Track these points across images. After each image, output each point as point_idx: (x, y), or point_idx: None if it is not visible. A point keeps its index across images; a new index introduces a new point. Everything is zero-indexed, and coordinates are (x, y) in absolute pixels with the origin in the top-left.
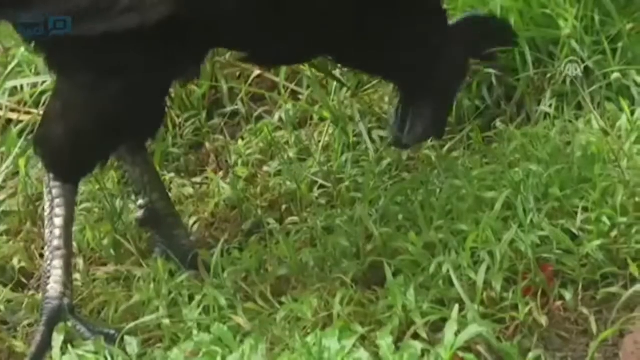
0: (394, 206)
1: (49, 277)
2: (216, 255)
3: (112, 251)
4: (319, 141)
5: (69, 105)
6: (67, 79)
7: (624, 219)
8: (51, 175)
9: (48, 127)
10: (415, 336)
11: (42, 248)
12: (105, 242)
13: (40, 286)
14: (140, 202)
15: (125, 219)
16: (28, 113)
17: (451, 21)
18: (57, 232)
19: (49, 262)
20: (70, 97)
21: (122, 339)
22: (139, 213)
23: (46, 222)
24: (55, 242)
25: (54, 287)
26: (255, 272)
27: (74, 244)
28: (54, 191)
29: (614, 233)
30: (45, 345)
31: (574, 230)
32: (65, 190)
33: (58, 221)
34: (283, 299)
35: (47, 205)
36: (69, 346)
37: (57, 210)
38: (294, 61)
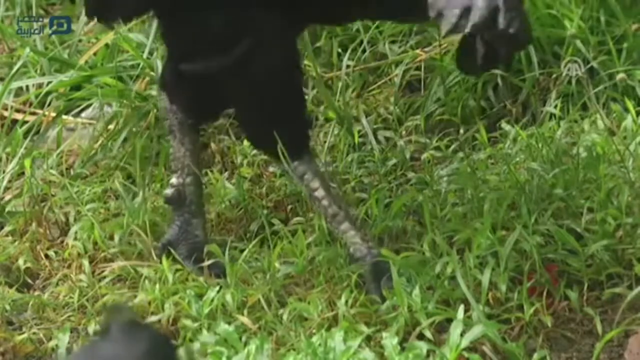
0: (400, 206)
1: (347, 242)
2: (222, 255)
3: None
4: (325, 142)
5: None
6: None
7: (629, 220)
8: (291, 156)
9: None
10: (421, 336)
11: (48, 248)
12: (113, 240)
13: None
14: (173, 180)
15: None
16: (33, 114)
17: None
18: (324, 202)
19: (336, 230)
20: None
21: None
22: (168, 190)
23: (309, 201)
24: (330, 211)
25: (357, 248)
26: (260, 272)
27: (79, 244)
28: (299, 169)
29: (619, 233)
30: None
31: (579, 231)
32: (308, 165)
33: (319, 193)
34: (288, 299)
35: (303, 185)
36: None
37: (312, 185)
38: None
